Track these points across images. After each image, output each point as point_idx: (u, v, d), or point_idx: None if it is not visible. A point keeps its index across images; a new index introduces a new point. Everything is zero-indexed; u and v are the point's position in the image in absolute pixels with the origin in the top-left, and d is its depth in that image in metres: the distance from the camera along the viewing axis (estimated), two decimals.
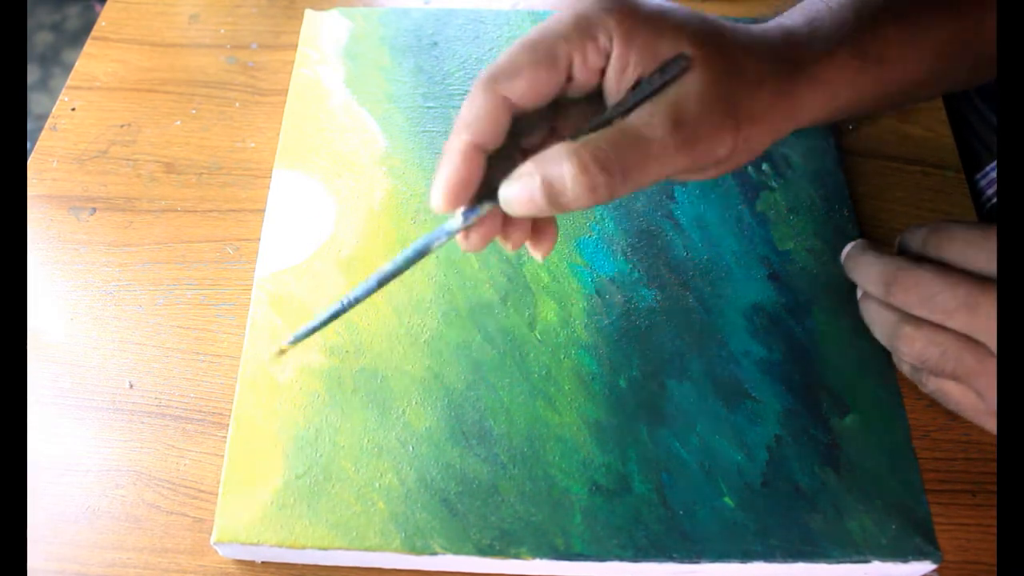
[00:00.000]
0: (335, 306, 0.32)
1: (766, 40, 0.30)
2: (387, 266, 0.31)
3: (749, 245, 0.40)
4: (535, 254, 0.31)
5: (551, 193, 0.27)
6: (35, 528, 0.34)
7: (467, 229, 0.29)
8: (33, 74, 1.49)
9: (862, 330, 0.37)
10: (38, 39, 1.55)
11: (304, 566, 0.34)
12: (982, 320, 0.31)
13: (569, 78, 0.28)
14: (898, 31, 0.32)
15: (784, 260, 0.40)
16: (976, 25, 0.33)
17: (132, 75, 0.49)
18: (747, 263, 0.39)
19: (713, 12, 0.50)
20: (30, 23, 1.55)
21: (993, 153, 0.45)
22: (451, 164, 0.28)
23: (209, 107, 0.47)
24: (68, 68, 1.34)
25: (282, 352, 0.36)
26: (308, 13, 0.48)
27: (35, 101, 1.45)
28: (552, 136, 0.30)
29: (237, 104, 0.48)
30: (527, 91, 0.27)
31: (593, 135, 0.27)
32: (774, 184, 0.42)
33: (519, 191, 0.28)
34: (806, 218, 0.41)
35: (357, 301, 0.32)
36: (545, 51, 0.27)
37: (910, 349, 0.33)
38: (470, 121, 0.28)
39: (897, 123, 0.46)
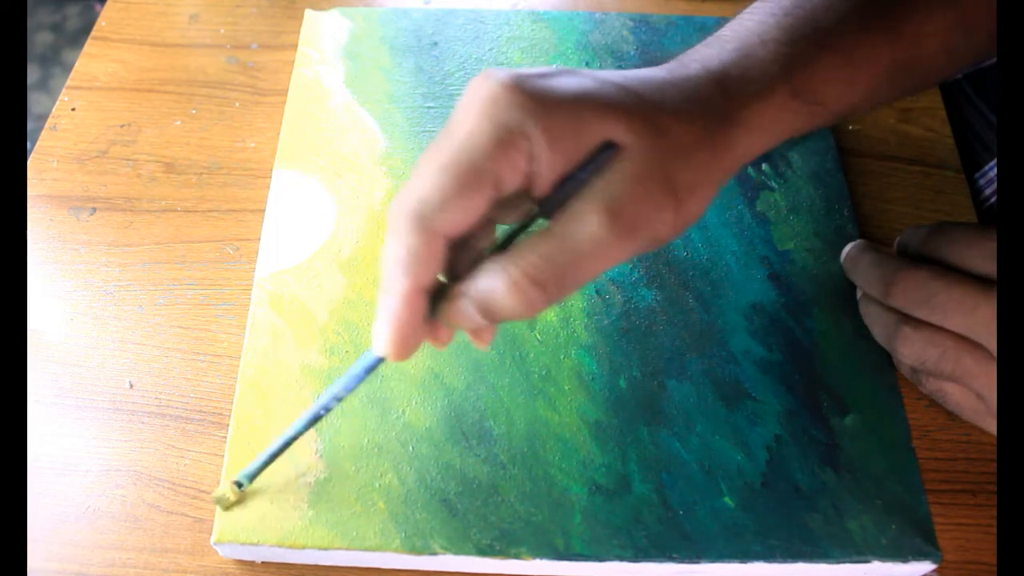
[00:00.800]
0: (280, 440, 0.32)
1: (696, 94, 0.28)
2: (317, 407, 0.31)
3: (749, 245, 0.40)
4: (479, 345, 0.30)
5: (487, 312, 0.26)
6: (35, 528, 0.34)
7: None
8: (33, 74, 1.49)
9: (862, 330, 0.37)
10: (38, 39, 1.55)
11: (304, 566, 0.34)
12: (981, 322, 0.31)
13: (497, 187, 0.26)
14: (834, 67, 0.29)
15: (784, 260, 0.40)
16: (915, 44, 0.31)
17: (132, 75, 0.49)
18: (747, 263, 0.39)
19: (712, 13, 0.50)
20: (30, 23, 1.55)
21: (993, 153, 0.45)
22: (396, 313, 0.26)
23: (209, 107, 0.47)
24: (68, 68, 1.34)
25: (235, 495, 0.33)
26: (308, 13, 0.48)
27: (35, 101, 1.45)
28: (488, 224, 0.29)
29: (237, 104, 0.48)
30: (460, 222, 0.25)
31: (524, 246, 0.26)
32: (774, 184, 0.42)
33: (455, 313, 0.27)
34: (806, 218, 0.41)
35: (298, 434, 0.32)
36: (470, 175, 0.25)
37: (909, 350, 0.33)
38: (408, 263, 0.26)
39: (897, 123, 0.46)
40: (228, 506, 0.33)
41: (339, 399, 0.31)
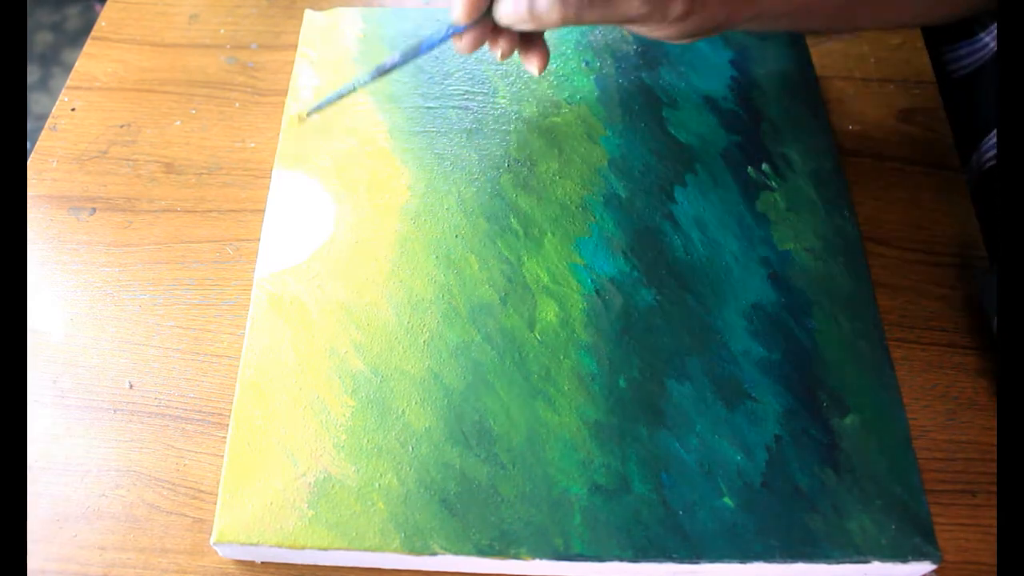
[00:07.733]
0: (347, 85, 0.38)
1: None
2: (386, 61, 0.37)
3: (749, 245, 0.40)
4: (529, 67, 0.38)
5: (531, 5, 0.33)
6: (35, 528, 0.34)
7: (459, 33, 0.35)
8: (33, 74, 1.49)
9: (862, 330, 0.37)
10: (38, 39, 1.55)
11: (304, 566, 0.34)
12: None
13: None
14: None
15: (784, 260, 0.39)
16: None
17: (132, 75, 0.49)
18: (747, 263, 0.39)
19: None
20: (30, 23, 1.55)
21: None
22: None
23: (209, 107, 0.47)
24: (68, 68, 1.34)
25: (301, 120, 0.41)
26: (308, 13, 0.48)
27: (35, 101, 1.45)
28: None
29: (237, 104, 0.48)
30: None
31: None
32: (774, 184, 0.42)
33: (506, 3, 0.34)
34: (806, 218, 0.41)
35: (363, 84, 0.38)
36: None
37: None
38: None
39: (897, 123, 0.46)
40: (294, 124, 0.42)
41: (405, 61, 0.37)
